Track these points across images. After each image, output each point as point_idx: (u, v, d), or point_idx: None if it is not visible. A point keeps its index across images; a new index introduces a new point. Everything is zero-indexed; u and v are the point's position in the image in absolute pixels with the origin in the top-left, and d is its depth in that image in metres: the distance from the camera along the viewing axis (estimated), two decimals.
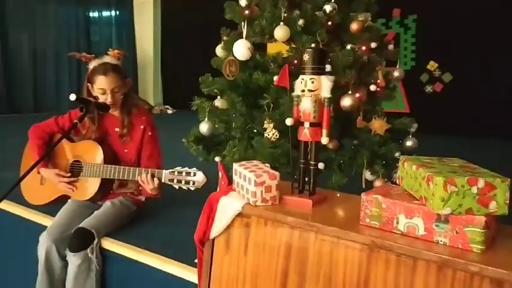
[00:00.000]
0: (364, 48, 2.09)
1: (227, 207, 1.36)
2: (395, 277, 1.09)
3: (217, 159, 2.17)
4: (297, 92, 1.36)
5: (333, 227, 1.18)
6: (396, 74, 2.31)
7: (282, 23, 2.04)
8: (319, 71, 1.33)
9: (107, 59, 2.50)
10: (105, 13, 9.42)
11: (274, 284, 1.28)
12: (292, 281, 1.25)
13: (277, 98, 2.04)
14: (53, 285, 2.26)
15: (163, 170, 2.22)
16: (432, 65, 6.85)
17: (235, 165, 1.43)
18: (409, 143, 2.24)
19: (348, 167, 2.03)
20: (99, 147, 2.45)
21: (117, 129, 2.53)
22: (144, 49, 9.48)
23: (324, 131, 1.34)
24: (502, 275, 0.95)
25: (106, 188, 2.48)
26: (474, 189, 1.03)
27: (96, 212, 2.42)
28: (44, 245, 2.26)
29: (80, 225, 2.28)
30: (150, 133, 2.54)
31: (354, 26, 2.07)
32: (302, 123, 1.36)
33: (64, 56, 8.05)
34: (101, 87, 2.40)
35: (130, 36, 9.44)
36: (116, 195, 2.54)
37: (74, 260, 2.22)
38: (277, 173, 1.35)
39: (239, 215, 1.35)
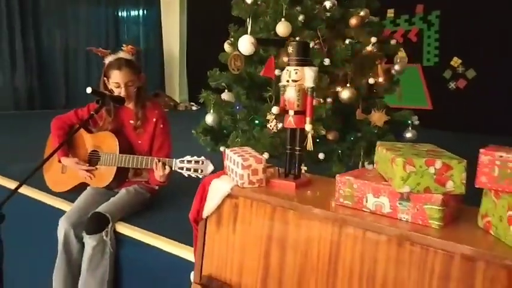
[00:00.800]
0: (363, 42, 2.17)
1: (218, 188, 1.48)
2: (362, 251, 1.19)
3: (222, 149, 2.30)
4: (283, 82, 1.47)
5: (309, 205, 1.28)
6: (397, 68, 2.37)
7: (283, 19, 2.14)
8: (302, 63, 1.43)
9: (121, 54, 2.66)
10: (133, 12, 9.72)
11: (258, 260, 1.39)
12: (274, 257, 1.36)
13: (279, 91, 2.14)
14: (71, 265, 2.43)
15: (174, 159, 2.37)
16: (456, 61, 6.79)
17: (226, 151, 1.54)
18: (408, 135, 2.31)
19: (346, 157, 2.11)
20: (115, 137, 2.61)
21: (131, 122, 2.69)
22: (171, 47, 9.73)
23: (308, 119, 1.44)
24: (454, 248, 1.04)
25: (122, 176, 2.65)
26: (431, 170, 1.11)
27: (112, 198, 2.58)
28: (62, 227, 2.43)
29: (96, 210, 2.45)
30: (161, 126, 2.69)
31: (353, 21, 2.15)
32: (287, 112, 1.47)
33: (94, 53, 8.37)
34: (116, 81, 2.56)
35: (158, 35, 9.71)
36: (131, 183, 2.70)
37: (89, 242, 2.39)
38: (263, 157, 1.46)
39: (228, 196, 1.47)
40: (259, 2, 2.29)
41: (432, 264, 1.07)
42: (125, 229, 2.47)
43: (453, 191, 1.12)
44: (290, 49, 1.42)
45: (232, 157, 1.49)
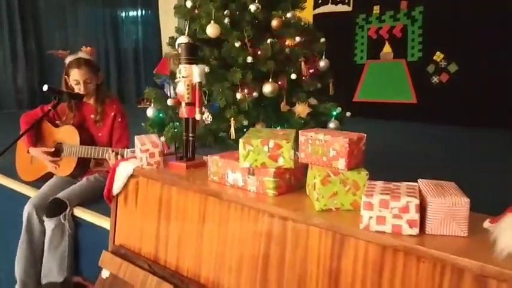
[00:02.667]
0: (286, 42, 2.40)
1: (123, 170, 1.74)
2: (220, 216, 1.43)
3: (162, 139, 2.56)
4: (178, 78, 1.72)
5: (186, 181, 1.53)
6: (322, 64, 2.59)
7: (212, 22, 2.39)
8: (190, 61, 1.68)
9: (80, 54, 2.95)
10: (132, 13, 10.04)
11: (155, 226, 1.65)
12: (163, 226, 1.62)
13: (210, 88, 2.40)
14: (32, 244, 2.72)
15: (126, 149, 2.64)
16: (438, 56, 6.94)
17: (135, 138, 1.80)
18: (331, 125, 2.53)
19: None
20: (76, 131, 2.90)
21: (92, 116, 2.97)
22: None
23: (197, 109, 1.69)
24: (276, 210, 1.28)
25: (83, 166, 2.92)
26: (266, 148, 1.35)
27: (72, 185, 2.87)
28: (26, 210, 2.73)
29: (56, 196, 2.74)
30: (119, 119, 2.96)
31: (274, 23, 2.39)
32: (180, 103, 1.72)
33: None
34: (75, 79, 2.84)
35: (156, 35, 10.01)
36: (93, 172, 2.97)
37: (49, 224, 2.68)
38: (159, 142, 1.72)
39: (132, 176, 1.73)
40: (197, 6, 2.54)
41: (263, 225, 1.31)
42: (83, 213, 2.74)
43: (284, 166, 1.36)
44: (179, 49, 1.67)
45: (136, 143, 1.75)
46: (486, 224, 1.03)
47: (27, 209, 2.74)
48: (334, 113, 2.56)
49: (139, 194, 1.72)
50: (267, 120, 2.44)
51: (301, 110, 2.45)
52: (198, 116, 1.70)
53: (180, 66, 1.69)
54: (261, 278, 1.31)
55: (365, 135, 1.28)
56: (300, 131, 1.32)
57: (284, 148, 1.35)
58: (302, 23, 2.62)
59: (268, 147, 1.36)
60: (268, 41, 2.35)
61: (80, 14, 9.08)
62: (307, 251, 1.21)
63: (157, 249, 1.63)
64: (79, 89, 2.85)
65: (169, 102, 1.67)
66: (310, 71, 2.47)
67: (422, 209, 1.08)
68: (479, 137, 5.49)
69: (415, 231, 1.06)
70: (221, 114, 2.35)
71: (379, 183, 1.18)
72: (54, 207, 2.71)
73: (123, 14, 9.98)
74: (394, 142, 5.34)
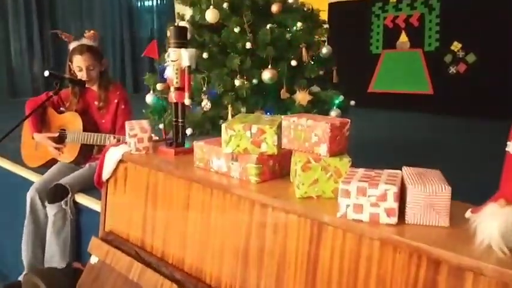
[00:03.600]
0: (286, 27, 2.35)
1: (112, 155, 1.73)
2: (203, 202, 1.41)
3: (160, 126, 2.54)
4: (167, 62, 1.69)
5: (171, 167, 1.51)
6: (324, 50, 2.53)
7: (211, 7, 2.35)
8: (179, 45, 1.64)
9: (84, 40, 2.94)
10: (147, 2, 10.05)
11: (143, 212, 1.63)
12: (149, 210, 1.60)
13: (209, 74, 2.36)
14: (38, 228, 2.76)
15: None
16: (456, 46, 6.78)
17: (125, 123, 1.78)
18: (333, 114, 2.47)
19: None
20: (79, 117, 2.90)
21: (96, 103, 2.97)
22: None
23: (186, 94, 1.66)
24: (257, 197, 1.24)
25: (86, 152, 2.93)
26: (248, 133, 1.31)
27: (75, 172, 2.88)
28: (29, 195, 2.76)
29: (58, 182, 2.75)
30: (123, 106, 2.95)
31: (274, 8, 2.33)
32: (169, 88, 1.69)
33: (108, 42, 8.75)
34: (78, 65, 2.84)
35: (171, 24, 9.99)
36: (96, 159, 2.97)
37: (51, 210, 2.70)
38: (148, 128, 1.69)
39: (121, 161, 1.71)
40: None
41: (244, 212, 1.28)
42: (84, 200, 2.75)
43: (267, 152, 1.32)
44: (169, 33, 1.64)
45: (126, 128, 1.72)
46: (468, 213, 0.98)
47: (30, 194, 2.77)
48: (337, 101, 2.50)
49: (127, 179, 1.70)
50: (267, 107, 2.40)
51: (302, 97, 2.40)
52: (187, 101, 1.66)
53: (169, 50, 1.66)
54: (241, 266, 1.28)
55: (349, 120, 1.23)
56: (283, 116, 1.27)
57: (267, 134, 1.31)
58: (305, 9, 2.55)
59: (251, 133, 1.32)
60: (268, 26, 2.29)
61: (96, 2, 9.11)
62: (286, 239, 1.17)
63: (144, 236, 1.61)
64: (82, 75, 2.85)
65: (159, 87, 1.65)
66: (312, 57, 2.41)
67: (403, 197, 1.03)
68: (497, 128, 5.34)
69: (393, 220, 1.01)
70: (219, 101, 2.31)
71: (361, 170, 1.13)
72: (55, 193, 2.72)
73: (139, 3, 9.99)
74: (409, 133, 5.24)
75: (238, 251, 1.29)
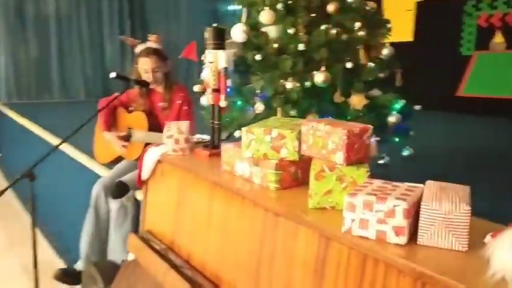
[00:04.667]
0: (346, 28, 2.24)
1: (151, 155, 1.76)
2: (225, 208, 1.38)
3: None
4: (205, 64, 1.68)
5: (199, 169, 1.50)
6: (385, 51, 2.38)
7: (266, 8, 2.31)
8: (216, 46, 1.63)
9: (149, 43, 3.06)
10: (232, 7, 10.27)
11: (174, 213, 1.64)
12: (179, 211, 1.60)
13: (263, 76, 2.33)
14: (98, 222, 2.91)
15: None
16: None
17: (166, 125, 1.80)
18: (391, 119, 2.32)
19: None
20: (145, 117, 3.03)
21: (160, 104, 3.08)
22: None
23: (222, 96, 1.64)
24: (270, 205, 1.19)
25: None
26: (268, 138, 1.26)
27: (136, 170, 3.00)
28: (95, 190, 2.92)
29: (121, 179, 2.89)
30: (186, 107, 3.03)
31: (330, 8, 2.24)
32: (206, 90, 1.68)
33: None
34: (143, 67, 2.96)
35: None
36: None
37: (113, 205, 2.85)
38: (186, 129, 1.70)
39: (159, 161, 1.74)
40: None
41: (259, 220, 1.23)
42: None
43: (287, 158, 1.25)
44: (206, 34, 1.63)
45: (165, 129, 1.75)
46: (487, 238, 0.85)
47: (96, 188, 2.93)
48: (397, 106, 2.34)
49: (163, 180, 1.72)
50: (320, 111, 2.31)
51: (357, 101, 2.28)
52: (222, 103, 1.65)
53: (206, 51, 1.65)
54: (255, 276, 1.23)
55: (370, 127, 1.13)
56: (303, 121, 1.20)
57: (288, 138, 1.25)
58: (367, 7, 2.42)
59: (271, 137, 1.26)
60: (323, 27, 2.21)
61: (182, 7, 9.49)
62: (295, 251, 1.10)
63: (174, 236, 1.61)
64: (147, 77, 2.97)
65: (196, 88, 1.65)
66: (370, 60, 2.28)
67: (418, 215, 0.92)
68: None
69: (402, 240, 0.90)
70: (271, 104, 2.27)
71: (376, 182, 1.03)
72: (118, 190, 2.85)
73: (223, 8, 10.25)
74: (497, 142, 4.81)
75: (252, 260, 1.24)
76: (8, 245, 3.84)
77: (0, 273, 3.34)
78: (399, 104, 2.34)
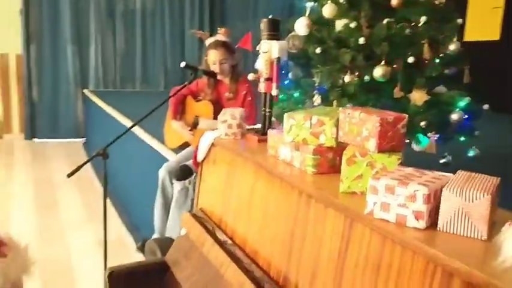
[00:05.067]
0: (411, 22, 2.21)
1: (207, 138, 1.87)
2: (265, 189, 1.45)
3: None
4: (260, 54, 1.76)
5: (250, 155, 1.58)
6: (452, 47, 2.31)
7: (329, 1, 2.34)
8: (271, 37, 1.70)
9: (218, 36, 3.20)
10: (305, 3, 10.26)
11: (222, 192, 1.74)
12: (227, 191, 1.70)
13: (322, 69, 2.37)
14: (166, 201, 3.13)
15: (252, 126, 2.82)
16: None
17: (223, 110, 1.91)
18: (453, 117, 2.25)
19: None
20: (211, 106, 3.19)
21: (226, 94, 3.23)
22: None
23: (274, 84, 1.71)
24: (304, 187, 1.24)
25: None
26: (307, 124, 1.31)
27: None
28: (161, 172, 3.14)
29: (185, 163, 3.07)
30: (249, 98, 3.16)
31: (394, 2, 2.21)
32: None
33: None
34: (212, 59, 3.12)
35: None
36: None
37: (176, 186, 3.04)
38: (238, 115, 1.79)
39: (212, 144, 1.85)
40: None
41: (294, 201, 1.29)
42: None
43: (325, 144, 1.30)
44: (262, 25, 1.71)
45: (220, 114, 1.85)
46: (506, 226, 0.84)
47: (162, 171, 3.14)
48: (461, 104, 2.27)
49: (216, 162, 1.82)
50: (378, 106, 2.29)
51: (418, 97, 2.24)
52: (274, 92, 1.71)
53: (262, 41, 1.73)
54: (287, 253, 1.29)
55: (405, 116, 1.14)
56: (340, 108, 1.24)
57: (326, 125, 1.29)
58: (435, 1, 2.36)
59: (311, 123, 1.31)
60: (385, 21, 2.20)
61: (260, 4, 9.63)
62: (323, 232, 1.15)
63: (222, 215, 1.71)
64: (215, 68, 3.12)
65: (250, 77, 1.73)
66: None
67: None
68: None
69: (421, 224, 0.92)
70: (327, 97, 2.30)
71: (407, 169, 1.05)
72: (181, 173, 3.04)
73: (300, 4, 10.26)
74: None
75: (285, 240, 1.30)
76: (86, 220, 4.20)
77: (77, 246, 3.67)
78: (464, 102, 2.27)
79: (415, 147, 2.39)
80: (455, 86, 2.42)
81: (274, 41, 1.69)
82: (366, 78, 2.28)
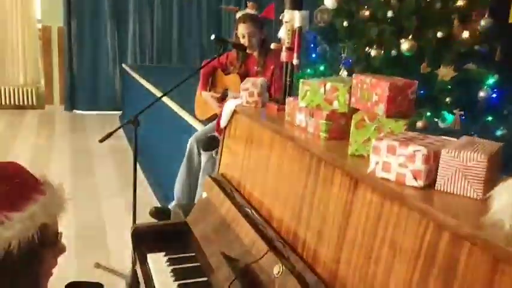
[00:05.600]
0: None
1: (229, 106, 1.93)
2: (280, 153, 1.50)
3: None
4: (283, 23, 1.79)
5: (268, 121, 1.64)
6: (483, 23, 2.26)
7: None
8: (293, 6, 1.72)
9: (247, 10, 3.23)
10: None
11: (241, 157, 1.81)
12: (246, 156, 1.76)
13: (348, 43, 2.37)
14: (191, 171, 3.23)
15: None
16: None
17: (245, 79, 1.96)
18: (481, 94, 2.22)
19: None
20: (240, 79, 3.24)
21: (255, 68, 3.27)
22: None
23: (295, 54, 1.74)
24: (315, 151, 1.29)
25: None
26: (322, 90, 1.35)
27: None
28: (190, 142, 3.24)
29: (213, 134, 3.15)
30: (278, 72, 3.19)
31: None
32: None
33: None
34: (241, 32, 3.16)
35: None
36: None
37: (204, 157, 3.14)
38: (260, 84, 1.84)
39: (234, 111, 1.91)
40: None
41: (305, 164, 1.33)
42: None
43: (338, 110, 1.33)
44: None
45: (242, 83, 1.91)
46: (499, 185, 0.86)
47: (190, 141, 3.24)
48: (489, 81, 2.23)
49: (237, 128, 1.89)
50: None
51: (445, 73, 2.22)
52: (295, 61, 1.75)
53: (285, 11, 1.76)
54: (298, 214, 1.35)
55: (415, 82, 1.16)
56: (354, 75, 1.27)
57: (340, 92, 1.32)
58: None
59: (325, 89, 1.35)
60: None
61: None
62: (330, 193, 1.20)
63: (240, 178, 1.78)
64: (244, 41, 3.16)
65: (273, 46, 1.77)
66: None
67: None
68: None
69: (419, 183, 0.95)
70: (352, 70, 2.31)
71: (411, 134, 1.08)
72: (209, 143, 3.12)
73: None
74: None
75: (297, 199, 1.36)
76: (119, 187, 4.38)
77: (109, 210, 3.85)
78: (492, 79, 2.23)
79: (440, 124, 2.37)
80: (485, 63, 2.38)
81: (297, 11, 1.72)
82: (393, 52, 2.27)
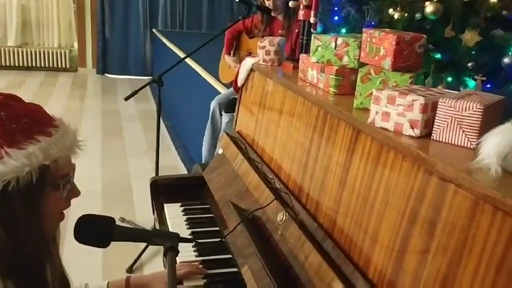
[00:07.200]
0: None
1: (246, 64, 1.96)
2: (290, 109, 1.53)
3: None
4: None
5: (279, 77, 1.66)
6: None
7: None
8: None
9: None
10: None
11: (256, 114, 1.85)
12: (260, 113, 1.80)
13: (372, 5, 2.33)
14: (214, 132, 3.30)
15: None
16: None
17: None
18: (506, 60, 2.16)
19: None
20: None
21: (279, 31, 3.27)
22: None
23: (312, 12, 1.75)
24: (321, 104, 1.31)
25: None
26: (332, 45, 1.36)
27: None
28: (213, 104, 3.30)
29: (234, 96, 3.19)
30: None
31: None
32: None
33: None
34: None
35: None
36: None
37: (224, 118, 3.20)
38: (276, 43, 1.85)
39: (251, 70, 1.94)
40: None
41: (312, 117, 1.36)
42: None
43: (348, 65, 1.35)
44: None
45: (259, 41, 1.93)
46: None
47: (213, 103, 3.30)
48: None
49: (253, 86, 1.92)
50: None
51: (469, 37, 2.16)
52: (312, 19, 1.75)
53: None
54: (303, 169, 1.38)
55: (424, 36, 1.16)
56: (364, 29, 1.28)
57: (350, 47, 1.34)
58: None
59: (336, 44, 1.36)
60: None
61: None
62: (334, 145, 1.23)
63: (254, 135, 1.83)
64: (269, 4, 3.16)
65: (291, 4, 1.78)
66: None
67: None
68: None
69: (416, 132, 0.98)
70: None
71: (416, 87, 1.09)
72: (230, 105, 3.18)
73: None
74: None
75: (303, 153, 1.39)
76: (146, 148, 4.51)
77: (135, 169, 3.98)
78: None
79: (461, 90, 2.33)
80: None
81: None
82: (417, 15, 2.23)
